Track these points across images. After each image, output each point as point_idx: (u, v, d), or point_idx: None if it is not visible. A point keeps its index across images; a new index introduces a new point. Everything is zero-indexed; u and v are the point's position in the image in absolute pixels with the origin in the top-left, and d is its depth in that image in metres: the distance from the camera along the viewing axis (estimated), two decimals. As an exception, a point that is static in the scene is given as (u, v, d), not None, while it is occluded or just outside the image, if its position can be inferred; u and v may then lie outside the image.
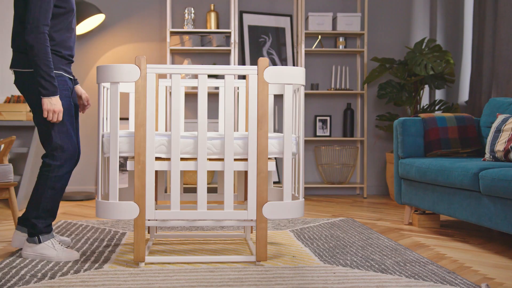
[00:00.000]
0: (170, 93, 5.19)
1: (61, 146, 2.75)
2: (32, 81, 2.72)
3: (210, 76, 5.24)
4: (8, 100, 4.98)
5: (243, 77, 5.29)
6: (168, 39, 5.15)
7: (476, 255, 2.94)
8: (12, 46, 2.77)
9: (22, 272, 2.48)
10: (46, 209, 2.77)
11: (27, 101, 2.77)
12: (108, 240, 3.17)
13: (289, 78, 2.58)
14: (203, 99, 2.57)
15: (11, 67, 2.77)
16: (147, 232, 3.29)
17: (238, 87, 3.17)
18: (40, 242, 2.76)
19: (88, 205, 4.72)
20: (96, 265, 2.62)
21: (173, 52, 5.42)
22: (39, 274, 2.44)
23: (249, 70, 2.57)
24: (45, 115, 2.66)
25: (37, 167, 4.76)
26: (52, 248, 2.74)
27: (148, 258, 2.64)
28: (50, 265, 2.60)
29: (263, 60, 2.55)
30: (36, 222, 2.77)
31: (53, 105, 2.65)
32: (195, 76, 5.27)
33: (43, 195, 2.76)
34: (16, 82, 2.78)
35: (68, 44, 2.81)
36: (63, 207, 4.60)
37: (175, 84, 2.56)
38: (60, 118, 2.70)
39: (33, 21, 2.59)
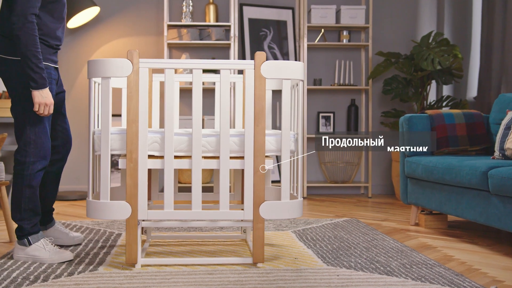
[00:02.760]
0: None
1: (35, 141, 2.72)
2: (16, 69, 2.70)
3: (208, 70, 5.22)
4: (0, 96, 4.96)
5: (241, 71, 5.27)
6: (165, 33, 5.14)
7: (485, 256, 2.93)
8: None
9: (14, 274, 2.48)
10: (27, 208, 2.76)
11: (7, 89, 2.75)
12: (103, 241, 3.17)
13: (287, 73, 2.58)
14: (198, 95, 2.57)
15: None
16: (143, 233, 3.28)
17: (235, 82, 3.15)
18: (30, 244, 2.74)
19: (82, 205, 4.72)
20: (91, 267, 2.61)
21: (171, 46, 5.40)
22: (32, 277, 2.44)
23: (246, 64, 2.58)
24: (36, 108, 2.65)
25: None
26: (44, 249, 2.72)
27: (145, 260, 2.64)
28: (43, 267, 2.60)
29: (260, 54, 2.55)
30: (22, 223, 2.76)
31: (44, 98, 2.64)
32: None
33: (22, 195, 2.74)
34: (0, 70, 2.75)
35: (57, 34, 2.81)
36: (57, 207, 4.60)
37: (168, 79, 2.57)
38: (51, 111, 2.70)
39: (21, 9, 2.57)
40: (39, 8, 2.67)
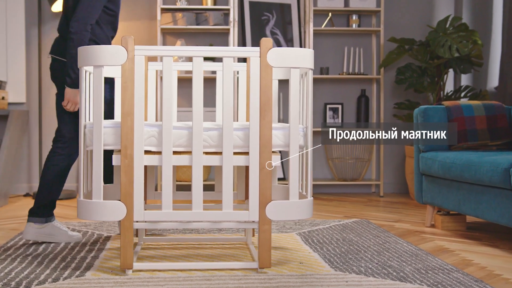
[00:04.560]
0: (161, 78, 5.18)
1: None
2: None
3: (206, 58, 5.23)
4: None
5: (243, 60, 5.28)
6: (158, 17, 5.14)
7: (506, 261, 2.94)
8: (59, 31, 3.26)
9: (-6, 280, 2.49)
10: (60, 187, 3.25)
11: (56, 86, 3.25)
12: (91, 244, 3.18)
13: (296, 61, 2.58)
14: (199, 85, 2.57)
15: (52, 52, 3.22)
16: (135, 235, 3.30)
17: (238, 71, 3.17)
18: (48, 221, 3.20)
19: (68, 205, 4.73)
20: (77, 272, 2.62)
21: (165, 32, 5.41)
22: (13, 283, 2.44)
23: (251, 52, 2.57)
24: (64, 103, 3.11)
25: (12, 160, 4.76)
26: (60, 229, 3.21)
27: (136, 265, 2.64)
28: (26, 272, 2.61)
29: (266, 41, 2.55)
30: (53, 198, 3.21)
31: (74, 97, 3.08)
32: (190, 59, 5.26)
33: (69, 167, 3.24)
34: (52, 67, 3.25)
35: (109, 43, 3.31)
36: (41, 207, 4.61)
37: (166, 67, 2.56)
38: (76, 110, 3.14)
39: (82, 17, 3.04)
40: (102, 20, 3.19)
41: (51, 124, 5.39)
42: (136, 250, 2.97)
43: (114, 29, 3.31)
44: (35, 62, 5.33)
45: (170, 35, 5.45)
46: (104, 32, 3.21)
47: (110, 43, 3.29)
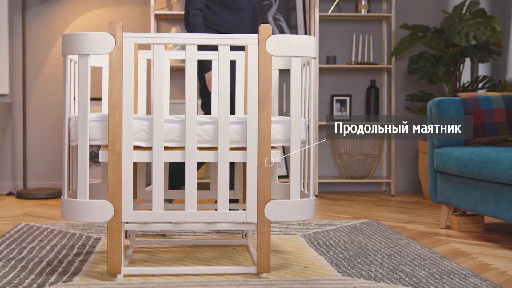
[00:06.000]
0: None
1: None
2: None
3: (200, 47, 5.21)
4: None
5: (240, 48, 5.25)
6: (152, 2, 5.14)
7: (527, 265, 2.94)
8: None
9: (-26, 287, 2.49)
10: None
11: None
12: (79, 247, 3.19)
13: (297, 49, 2.59)
14: (192, 75, 2.57)
15: None
16: (126, 238, 3.31)
17: (235, 61, 3.17)
18: None
19: (54, 205, 4.75)
20: (65, 277, 2.62)
21: (159, 18, 5.41)
22: (-5, 289, 2.45)
23: (248, 39, 2.58)
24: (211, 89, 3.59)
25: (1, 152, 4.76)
26: None
27: (128, 269, 2.65)
28: (8, 277, 2.61)
29: (265, 27, 2.55)
30: None
31: (208, 79, 3.65)
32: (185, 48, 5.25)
33: None
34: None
35: (228, 26, 3.73)
36: (25, 206, 4.62)
37: (157, 56, 2.57)
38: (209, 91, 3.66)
39: (186, 6, 3.59)
40: (214, 4, 3.64)
41: (36, 117, 5.39)
42: (128, 254, 2.98)
43: (236, 11, 3.70)
44: (19, 51, 5.32)
45: (165, 21, 5.44)
46: (220, 16, 3.66)
47: (227, 26, 3.72)
